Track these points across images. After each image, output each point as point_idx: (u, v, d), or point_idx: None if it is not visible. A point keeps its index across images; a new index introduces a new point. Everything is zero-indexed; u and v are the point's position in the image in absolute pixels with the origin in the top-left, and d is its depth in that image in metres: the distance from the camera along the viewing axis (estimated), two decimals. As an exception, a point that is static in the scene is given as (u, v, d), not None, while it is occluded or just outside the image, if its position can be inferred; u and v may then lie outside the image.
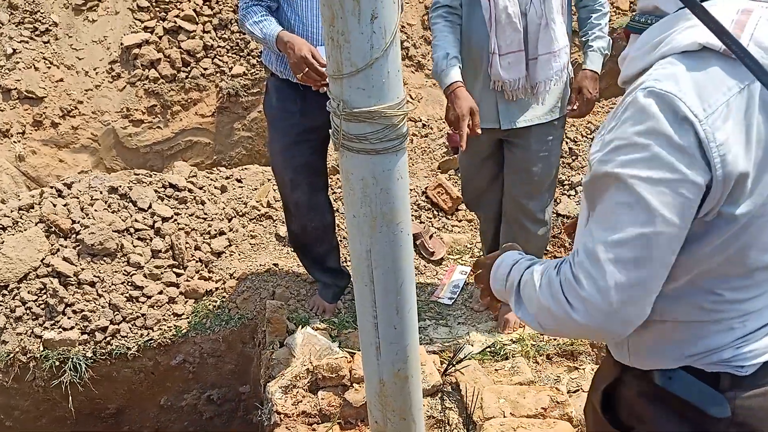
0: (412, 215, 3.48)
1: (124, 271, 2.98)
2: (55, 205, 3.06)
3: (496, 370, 2.50)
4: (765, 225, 1.00)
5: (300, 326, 2.75)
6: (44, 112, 5.11)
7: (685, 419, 1.11)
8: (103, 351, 2.84)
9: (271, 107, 2.66)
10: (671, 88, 0.92)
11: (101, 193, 3.14)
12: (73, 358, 2.79)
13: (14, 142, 4.91)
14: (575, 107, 2.41)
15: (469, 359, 2.54)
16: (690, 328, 1.08)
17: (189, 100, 5.81)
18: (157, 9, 5.73)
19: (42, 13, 5.15)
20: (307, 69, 2.16)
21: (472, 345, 2.68)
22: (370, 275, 1.65)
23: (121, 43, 5.49)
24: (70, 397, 2.85)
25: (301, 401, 2.36)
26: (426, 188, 3.59)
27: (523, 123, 2.38)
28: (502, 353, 2.60)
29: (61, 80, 5.22)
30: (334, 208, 2.88)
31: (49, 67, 5.12)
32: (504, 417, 2.17)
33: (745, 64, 0.68)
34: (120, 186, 3.18)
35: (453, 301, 2.99)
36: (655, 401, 1.15)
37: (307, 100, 2.49)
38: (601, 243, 0.97)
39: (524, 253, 1.27)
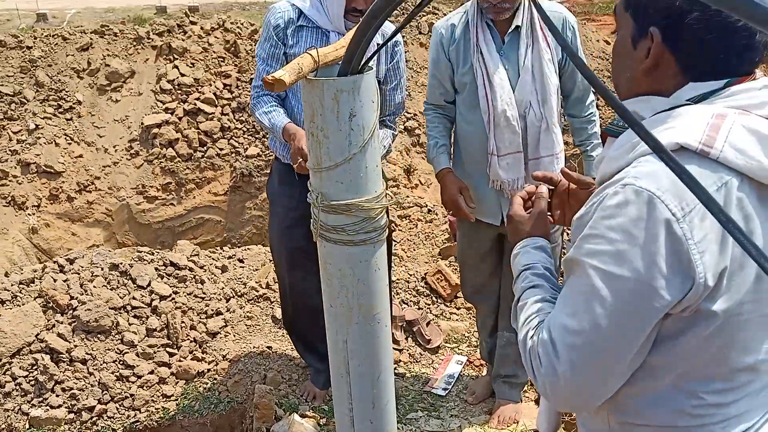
0: (411, 301, 3.45)
1: (117, 349, 2.97)
2: (55, 280, 3.09)
3: (486, 468, 2.40)
4: (743, 324, 0.99)
5: (288, 413, 2.68)
6: (61, 186, 5.26)
7: None
8: (89, 431, 2.78)
9: (273, 189, 2.73)
10: (650, 186, 0.93)
11: (102, 269, 3.18)
12: (57, 438, 2.74)
13: (29, 214, 5.03)
14: None
15: (459, 456, 2.45)
16: None
17: (203, 179, 5.96)
18: (179, 92, 5.99)
19: (67, 92, 5.40)
20: (300, 160, 2.23)
21: (464, 440, 2.59)
22: (346, 366, 1.62)
23: (142, 123, 5.71)
24: (51, 479, 2.78)
25: (281, 494, 2.27)
26: (426, 274, 3.58)
27: None
28: (493, 450, 2.51)
29: (81, 156, 5.40)
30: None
31: (69, 143, 5.31)
32: None
33: (682, 180, 0.70)
34: (121, 263, 3.22)
35: (447, 392, 2.92)
36: None
37: (306, 186, 2.55)
38: (561, 327, 1.02)
39: (542, 248, 1.26)
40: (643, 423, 1.07)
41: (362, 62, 1.35)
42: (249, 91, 5.97)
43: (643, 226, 0.93)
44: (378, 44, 2.29)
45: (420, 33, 6.50)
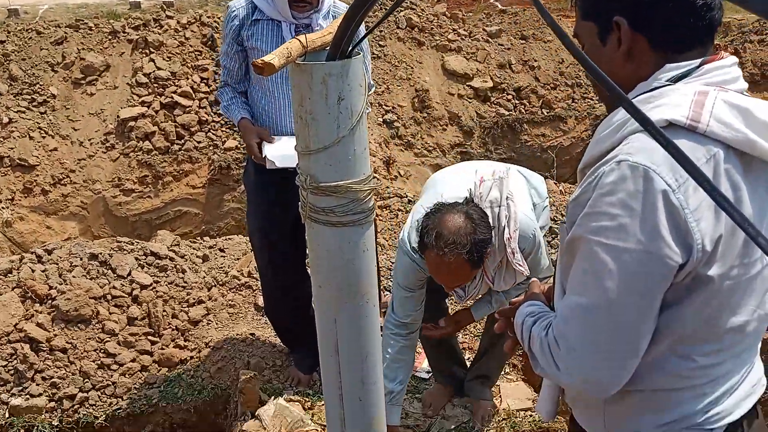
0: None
1: (98, 338, 2.97)
2: (33, 271, 3.07)
3: (468, 447, 2.46)
4: (734, 287, 1.05)
5: (273, 397, 2.71)
6: (35, 180, 5.19)
7: None
8: (70, 419, 2.78)
9: (249, 178, 2.77)
10: (645, 161, 0.98)
11: (81, 259, 3.16)
12: (38, 426, 2.74)
13: (3, 207, 4.96)
14: (441, 324, 2.45)
15: (442, 436, 2.51)
16: (667, 396, 1.11)
17: (181, 172, 5.93)
18: (156, 85, 5.94)
19: (41, 86, 5.33)
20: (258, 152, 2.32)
21: (447, 420, 2.66)
22: (335, 345, 1.66)
23: (118, 116, 5.66)
24: (33, 469, 2.77)
25: (268, 477, 2.31)
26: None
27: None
28: (475, 430, 2.57)
29: (55, 149, 5.34)
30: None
31: (43, 137, 5.25)
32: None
33: (668, 152, 0.76)
34: (101, 253, 3.21)
35: (430, 375, 2.97)
36: None
37: (280, 178, 2.58)
38: (575, 307, 1.04)
39: (535, 302, 1.26)
40: (638, 388, 1.11)
41: (350, 48, 1.39)
42: (226, 84, 5.94)
43: (642, 199, 0.97)
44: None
45: (398, 27, 6.55)
